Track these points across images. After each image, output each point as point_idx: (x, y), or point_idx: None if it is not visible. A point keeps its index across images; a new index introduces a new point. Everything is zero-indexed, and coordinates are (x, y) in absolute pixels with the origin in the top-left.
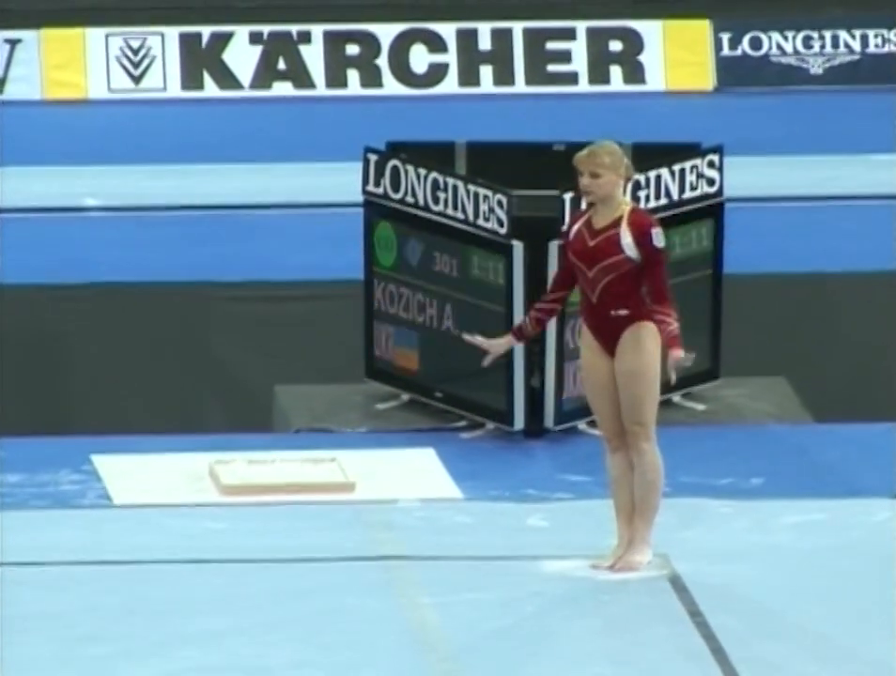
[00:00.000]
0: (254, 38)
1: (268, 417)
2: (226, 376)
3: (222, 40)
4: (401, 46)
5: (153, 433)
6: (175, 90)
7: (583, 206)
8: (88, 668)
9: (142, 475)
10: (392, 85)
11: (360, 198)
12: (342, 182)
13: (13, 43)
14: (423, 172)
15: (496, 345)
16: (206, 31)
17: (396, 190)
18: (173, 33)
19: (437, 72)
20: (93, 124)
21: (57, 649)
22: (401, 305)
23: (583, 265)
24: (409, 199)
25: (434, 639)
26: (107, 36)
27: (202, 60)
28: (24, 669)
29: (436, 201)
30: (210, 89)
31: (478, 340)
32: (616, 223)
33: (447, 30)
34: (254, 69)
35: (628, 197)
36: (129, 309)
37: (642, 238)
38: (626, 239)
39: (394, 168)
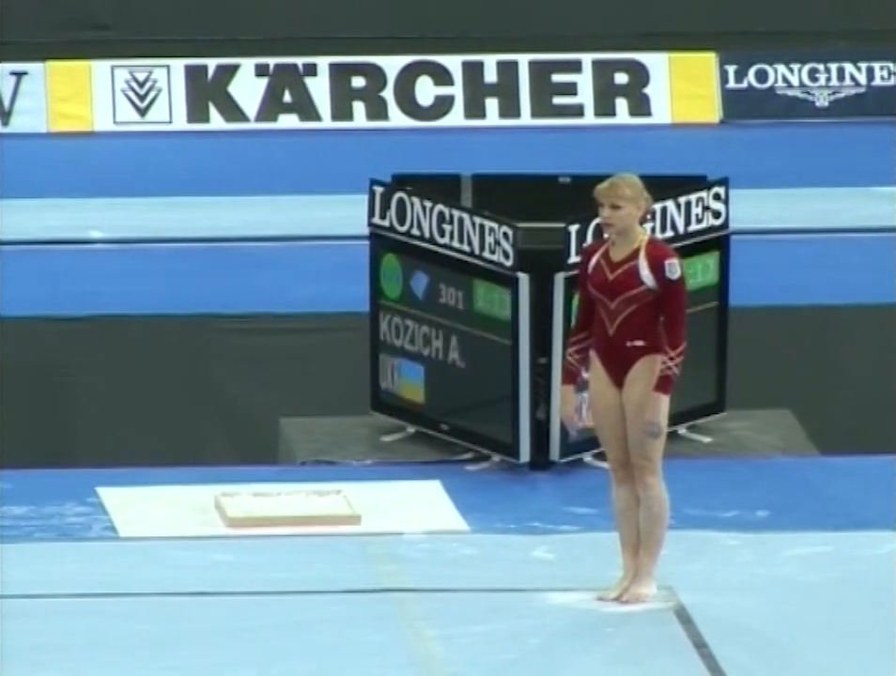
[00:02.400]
0: (260, 71)
1: (273, 449)
2: (231, 408)
3: (228, 73)
4: (407, 78)
5: (158, 465)
6: (180, 123)
7: (588, 237)
8: None
9: (147, 507)
10: (398, 118)
11: (366, 231)
12: (348, 215)
13: (19, 76)
14: (428, 204)
15: (570, 407)
16: (211, 63)
17: (402, 222)
18: (179, 65)
19: (443, 105)
20: (99, 156)
21: None
22: (407, 337)
23: (604, 297)
24: (415, 231)
25: (439, 672)
26: (113, 68)
27: (208, 93)
28: None
29: (441, 233)
30: (216, 122)
31: (566, 420)
32: (634, 255)
33: (453, 62)
34: (260, 101)
35: (648, 228)
36: (134, 341)
37: (657, 270)
38: (645, 271)
39: (400, 200)
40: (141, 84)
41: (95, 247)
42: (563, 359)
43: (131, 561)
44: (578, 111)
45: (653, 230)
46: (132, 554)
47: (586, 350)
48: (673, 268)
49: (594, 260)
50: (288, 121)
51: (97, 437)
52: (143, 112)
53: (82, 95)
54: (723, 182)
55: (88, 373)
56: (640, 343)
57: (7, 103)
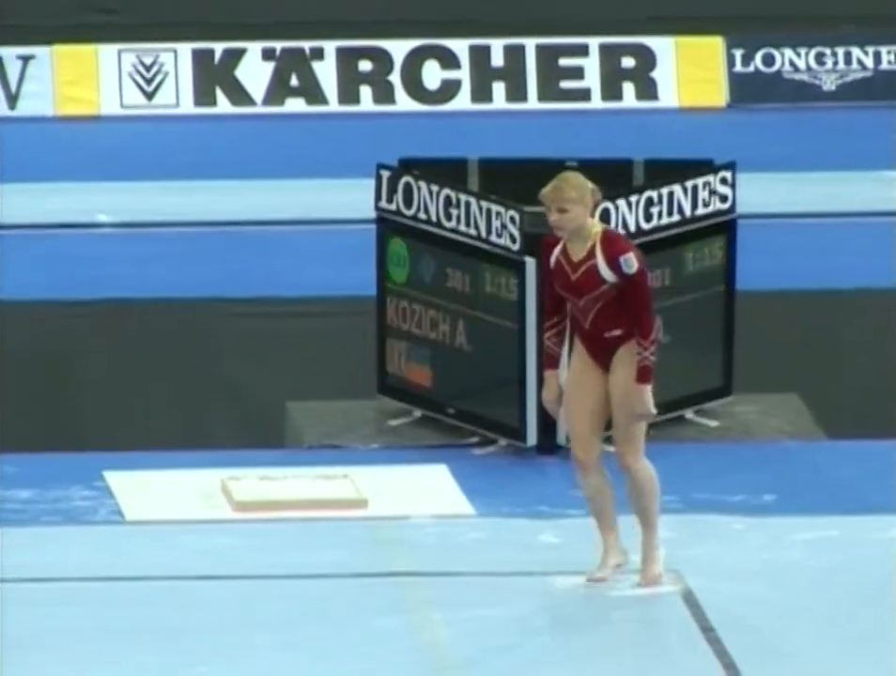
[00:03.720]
0: (267, 55)
1: (280, 433)
2: (238, 392)
3: (234, 57)
4: (414, 62)
5: (165, 449)
6: (187, 106)
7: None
8: None
9: (154, 491)
10: (404, 102)
11: (372, 214)
12: (354, 199)
13: (26, 59)
14: (435, 188)
15: (553, 393)
16: (218, 47)
17: (409, 206)
18: (185, 49)
19: (449, 89)
20: (106, 140)
21: (67, 668)
22: (414, 321)
23: (572, 296)
24: (422, 215)
25: (446, 656)
26: (120, 52)
27: (215, 76)
28: None
29: (448, 217)
30: (223, 105)
31: (548, 406)
32: (591, 253)
33: (460, 46)
34: (267, 85)
35: (597, 219)
36: (140, 325)
37: (614, 267)
38: (604, 268)
39: (407, 184)
40: (148, 68)
41: (102, 231)
42: (542, 345)
43: (138, 545)
44: (585, 95)
45: (659, 214)
46: (139, 538)
47: (562, 332)
48: (629, 262)
49: (554, 255)
50: (295, 105)
51: (103, 420)
52: (150, 96)
53: (89, 79)
54: (730, 166)
55: (95, 356)
56: (617, 332)
57: (13, 87)
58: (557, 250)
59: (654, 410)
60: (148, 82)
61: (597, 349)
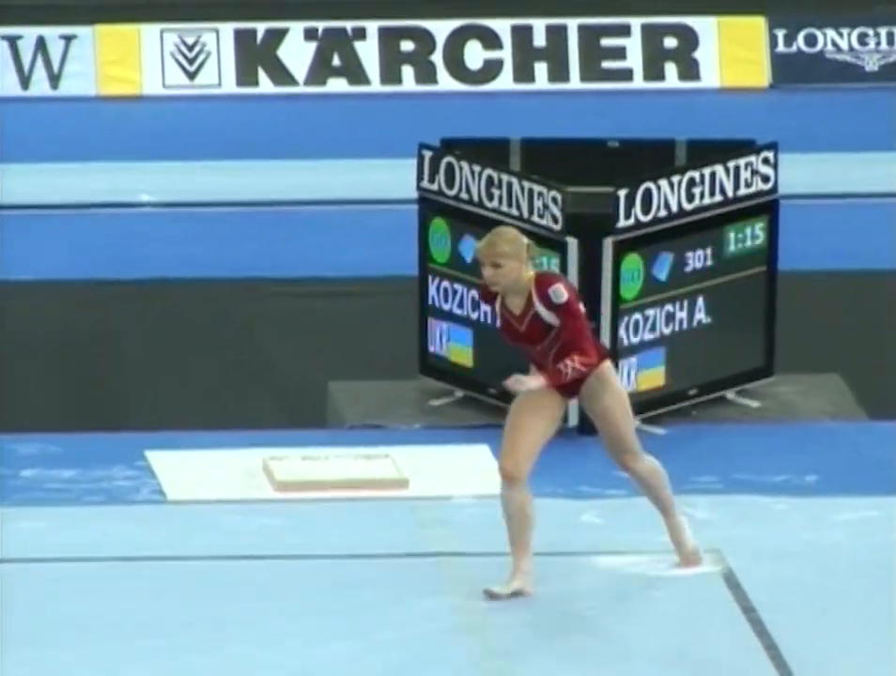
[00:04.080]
0: (309, 35)
1: (321, 413)
2: (280, 372)
3: (277, 37)
4: (456, 42)
5: (207, 429)
6: (230, 86)
7: (637, 202)
8: (143, 666)
9: (196, 471)
10: (446, 82)
11: (414, 195)
12: (396, 179)
13: (68, 39)
14: (477, 169)
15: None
16: (261, 27)
17: (451, 186)
18: (228, 29)
19: (491, 69)
20: (148, 120)
21: (111, 646)
22: (455, 302)
23: (525, 345)
24: (464, 195)
25: (486, 636)
26: (162, 32)
27: (257, 56)
28: (78, 667)
29: (490, 197)
30: (265, 85)
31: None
32: (530, 302)
33: (502, 26)
34: (309, 65)
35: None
36: (182, 305)
37: (546, 303)
38: (544, 312)
39: (449, 165)
40: (190, 48)
41: (144, 211)
42: None
43: (179, 525)
44: (627, 75)
45: (701, 194)
46: (180, 518)
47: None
48: (558, 292)
49: (497, 308)
50: (337, 85)
51: (145, 400)
52: (192, 75)
53: (131, 59)
54: (772, 147)
55: (138, 336)
56: None
57: (56, 67)
58: (497, 303)
59: (520, 388)
60: (191, 62)
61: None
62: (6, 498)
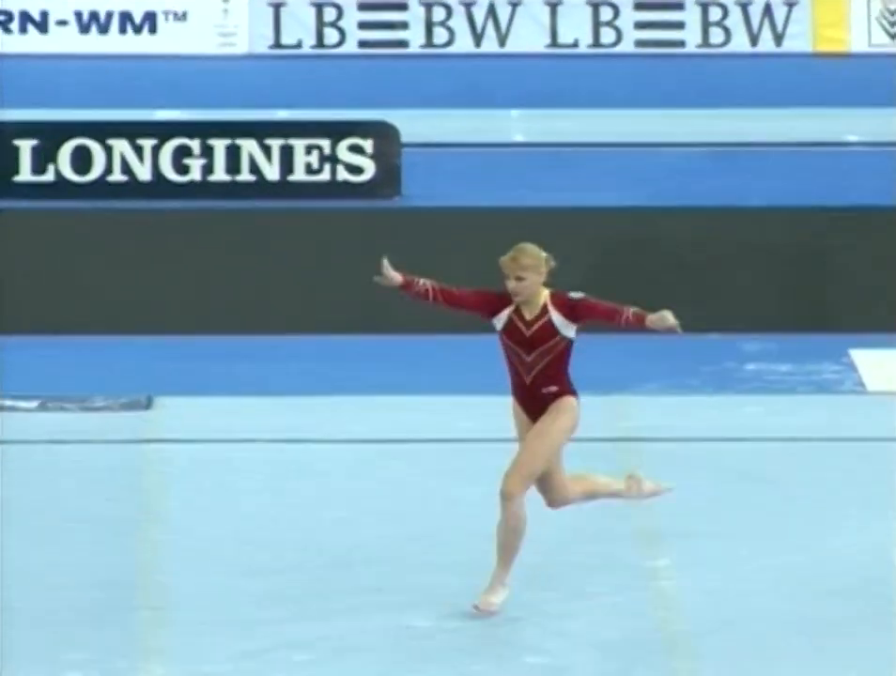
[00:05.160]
0: None
1: None
2: None
3: None
4: None
5: None
6: None
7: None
8: None
9: (893, 367)
10: None
11: None
12: None
13: (790, 6)
14: None
15: (389, 276)
16: None
17: None
18: None
19: None
20: (855, 75)
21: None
22: None
23: (522, 350)
24: None
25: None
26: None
27: None
28: None
29: None
30: None
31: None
32: (545, 310)
33: None
34: None
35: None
36: None
37: (566, 308)
38: (558, 320)
39: None
40: (892, 13)
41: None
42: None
43: (875, 413)
44: None
45: None
46: (878, 408)
47: (428, 295)
48: (576, 293)
49: (506, 313)
50: None
51: (853, 304)
52: (894, 36)
53: (842, 21)
54: None
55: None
56: (553, 388)
57: (780, 27)
58: (509, 309)
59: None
60: (893, 24)
61: (533, 405)
62: (732, 387)
